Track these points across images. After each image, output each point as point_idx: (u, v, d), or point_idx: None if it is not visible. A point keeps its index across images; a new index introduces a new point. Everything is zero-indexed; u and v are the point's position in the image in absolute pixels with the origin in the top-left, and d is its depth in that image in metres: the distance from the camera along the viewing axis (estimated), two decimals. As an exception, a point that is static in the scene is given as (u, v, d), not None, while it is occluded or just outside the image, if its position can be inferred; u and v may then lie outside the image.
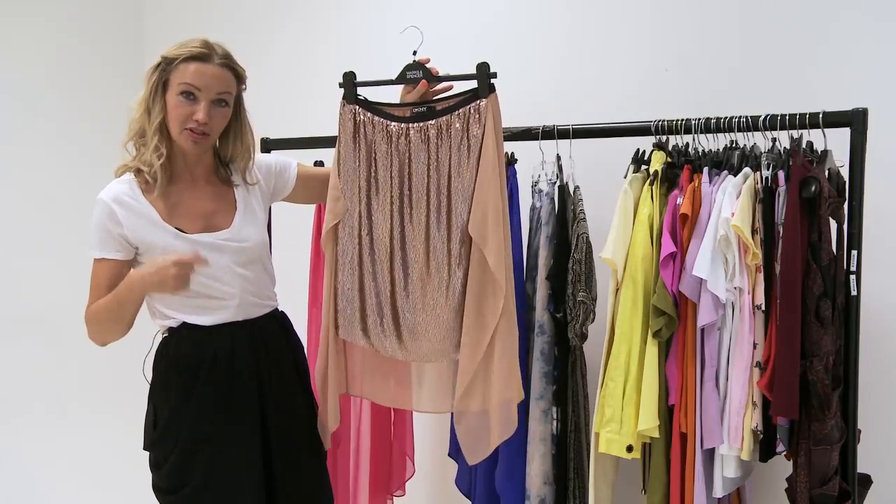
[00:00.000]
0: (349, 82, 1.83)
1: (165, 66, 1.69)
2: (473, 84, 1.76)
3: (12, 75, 3.19)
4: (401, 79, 1.84)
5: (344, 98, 1.84)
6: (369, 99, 1.85)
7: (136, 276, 1.68)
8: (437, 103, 1.81)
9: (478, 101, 1.74)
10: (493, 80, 1.75)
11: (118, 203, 1.70)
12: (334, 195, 1.84)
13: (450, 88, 1.85)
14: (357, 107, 1.83)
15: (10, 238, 3.16)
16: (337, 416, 1.91)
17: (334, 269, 1.86)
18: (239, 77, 1.77)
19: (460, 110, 1.75)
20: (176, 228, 1.72)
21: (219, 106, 1.72)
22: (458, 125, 1.75)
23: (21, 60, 3.22)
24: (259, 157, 1.91)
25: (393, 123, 1.80)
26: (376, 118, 1.81)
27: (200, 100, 1.69)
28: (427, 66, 1.83)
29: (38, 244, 3.23)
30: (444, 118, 1.76)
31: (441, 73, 1.84)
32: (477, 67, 1.75)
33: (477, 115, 1.74)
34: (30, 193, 3.22)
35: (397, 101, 1.87)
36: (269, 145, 2.43)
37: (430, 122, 1.78)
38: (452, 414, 2.01)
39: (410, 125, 1.79)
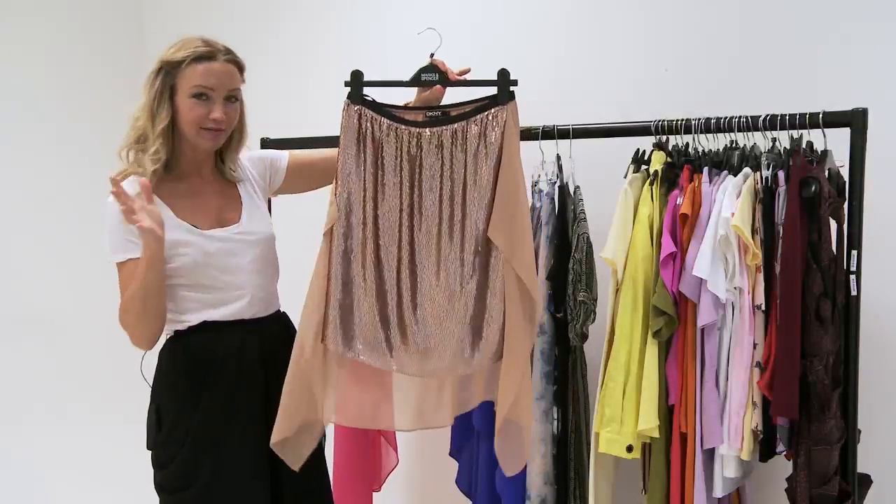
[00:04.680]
0: (357, 82, 1.73)
1: (169, 70, 1.68)
2: (487, 90, 1.72)
3: (12, 75, 3.19)
4: (415, 81, 1.78)
5: (349, 98, 1.74)
6: (377, 100, 1.76)
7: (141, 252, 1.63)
8: (452, 109, 1.75)
9: (497, 108, 1.69)
10: (513, 88, 1.71)
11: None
12: (330, 199, 1.77)
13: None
14: (363, 108, 1.72)
15: (10, 238, 3.16)
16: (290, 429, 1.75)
17: (327, 275, 1.73)
18: (241, 70, 1.76)
19: (478, 116, 1.69)
20: (191, 225, 1.72)
21: (231, 102, 1.73)
22: (475, 131, 1.69)
23: (21, 60, 3.22)
24: (253, 152, 1.91)
25: (403, 127, 1.71)
26: (384, 120, 1.72)
27: (214, 99, 1.69)
28: (443, 69, 1.78)
29: (38, 244, 3.22)
30: (459, 124, 1.69)
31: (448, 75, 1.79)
32: (498, 74, 1.71)
33: (496, 123, 1.68)
34: (30, 194, 3.22)
35: (404, 103, 1.84)
36: (268, 145, 2.42)
37: (444, 127, 1.70)
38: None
39: (422, 130, 1.71)
